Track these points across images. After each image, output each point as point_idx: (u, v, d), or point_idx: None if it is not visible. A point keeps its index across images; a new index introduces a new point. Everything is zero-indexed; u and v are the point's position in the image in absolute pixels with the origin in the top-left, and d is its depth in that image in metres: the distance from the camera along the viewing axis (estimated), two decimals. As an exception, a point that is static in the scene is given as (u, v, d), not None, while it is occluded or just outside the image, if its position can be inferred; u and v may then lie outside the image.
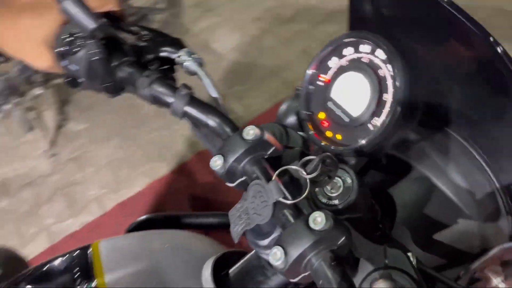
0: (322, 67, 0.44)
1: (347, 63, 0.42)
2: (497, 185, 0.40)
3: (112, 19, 0.47)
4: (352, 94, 0.41)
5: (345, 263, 0.32)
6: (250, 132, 0.38)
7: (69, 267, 0.46)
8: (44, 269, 0.47)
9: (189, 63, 0.46)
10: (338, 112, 0.42)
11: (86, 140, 1.96)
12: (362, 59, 0.41)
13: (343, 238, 0.32)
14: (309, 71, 0.44)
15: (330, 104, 0.43)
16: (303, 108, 0.44)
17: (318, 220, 0.31)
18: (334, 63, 0.43)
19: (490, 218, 0.42)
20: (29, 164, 1.91)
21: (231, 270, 0.44)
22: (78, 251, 0.47)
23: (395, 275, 0.35)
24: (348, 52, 0.42)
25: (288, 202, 0.34)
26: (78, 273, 0.44)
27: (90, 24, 0.39)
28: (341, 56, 0.43)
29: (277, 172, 0.35)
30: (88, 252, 0.47)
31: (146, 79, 0.42)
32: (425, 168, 0.43)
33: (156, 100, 0.42)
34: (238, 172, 0.38)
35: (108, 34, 0.43)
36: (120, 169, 1.84)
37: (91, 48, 0.42)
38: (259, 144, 0.38)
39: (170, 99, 0.42)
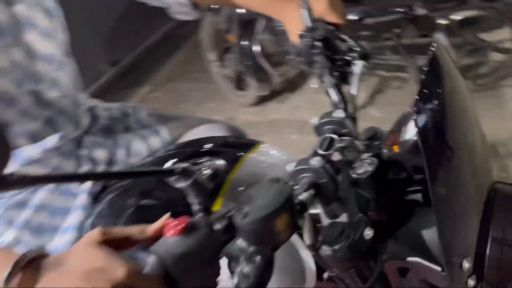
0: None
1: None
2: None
3: (335, 26, 0.76)
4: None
5: (319, 195, 0.54)
6: (338, 113, 0.62)
7: (236, 145, 0.83)
8: (227, 141, 0.87)
9: (355, 68, 0.70)
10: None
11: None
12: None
13: (326, 180, 0.54)
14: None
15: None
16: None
17: (315, 160, 0.54)
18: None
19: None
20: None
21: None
22: (253, 141, 0.83)
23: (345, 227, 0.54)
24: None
25: (321, 152, 0.58)
26: (235, 151, 0.80)
27: (308, 23, 0.70)
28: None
29: (324, 135, 0.59)
30: (256, 144, 0.82)
31: (320, 64, 0.70)
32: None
33: (320, 79, 0.71)
34: (321, 132, 0.64)
35: (322, 33, 0.73)
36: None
37: (306, 37, 0.73)
38: (339, 122, 0.62)
39: (325, 80, 0.69)
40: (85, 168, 0.90)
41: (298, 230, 0.55)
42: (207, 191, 0.47)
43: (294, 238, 0.68)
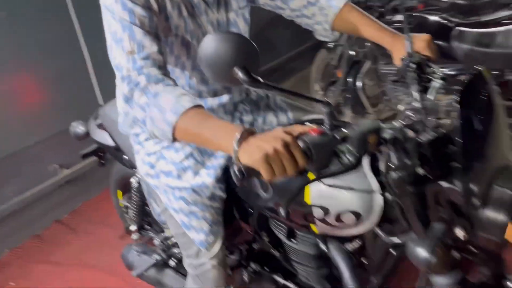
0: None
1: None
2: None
3: (428, 58, 1.15)
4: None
5: (394, 142, 0.91)
6: (417, 104, 1.00)
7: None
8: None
9: (434, 83, 1.08)
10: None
11: None
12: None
13: (400, 136, 0.91)
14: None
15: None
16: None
17: (397, 123, 0.92)
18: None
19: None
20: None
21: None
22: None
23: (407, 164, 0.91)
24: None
25: (401, 122, 0.96)
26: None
27: (408, 50, 1.10)
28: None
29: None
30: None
31: (411, 78, 1.08)
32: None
33: (409, 86, 1.09)
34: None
35: (417, 59, 1.12)
36: None
37: (405, 61, 1.12)
38: (417, 110, 0.99)
39: (412, 87, 1.07)
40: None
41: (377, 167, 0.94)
42: (335, 120, 0.88)
43: (370, 177, 1.05)
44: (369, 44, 2.75)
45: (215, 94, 1.29)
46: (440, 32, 2.42)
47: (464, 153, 0.85)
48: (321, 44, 3.04)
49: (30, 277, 2.28)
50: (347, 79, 2.84)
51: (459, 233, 0.89)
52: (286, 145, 0.80)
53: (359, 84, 2.75)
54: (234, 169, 0.84)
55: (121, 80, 0.99)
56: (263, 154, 0.79)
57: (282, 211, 0.85)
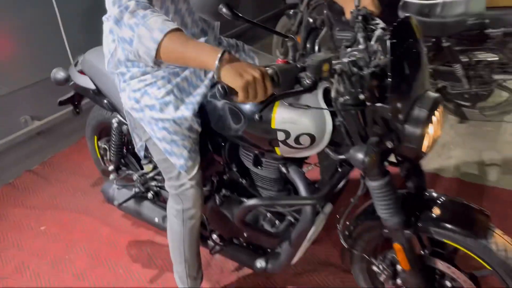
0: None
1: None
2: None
3: (372, 12, 1.40)
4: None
5: (342, 74, 1.16)
6: (363, 47, 1.25)
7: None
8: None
9: (377, 32, 1.33)
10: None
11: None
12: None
13: (347, 68, 1.16)
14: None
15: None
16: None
17: (345, 58, 1.17)
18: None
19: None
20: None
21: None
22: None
23: (351, 92, 1.16)
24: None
25: (349, 59, 1.20)
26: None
27: (357, 5, 1.34)
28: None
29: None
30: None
31: (358, 28, 1.33)
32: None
33: (357, 34, 1.33)
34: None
35: (363, 13, 1.36)
36: None
37: (354, 14, 1.36)
38: (361, 51, 1.24)
39: (359, 36, 1.32)
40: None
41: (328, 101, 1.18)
42: (297, 52, 1.11)
43: (322, 104, 1.29)
44: (326, 11, 3.00)
45: (193, 36, 1.49)
46: (388, 2, 2.70)
47: (394, 82, 1.11)
48: (282, 12, 3.26)
49: (6, 219, 2.40)
50: (306, 44, 3.09)
51: (389, 144, 1.17)
52: (262, 75, 1.02)
53: (316, 48, 3.00)
54: (219, 86, 1.05)
55: (112, 4, 1.14)
56: (245, 81, 1.00)
57: (256, 116, 1.08)
